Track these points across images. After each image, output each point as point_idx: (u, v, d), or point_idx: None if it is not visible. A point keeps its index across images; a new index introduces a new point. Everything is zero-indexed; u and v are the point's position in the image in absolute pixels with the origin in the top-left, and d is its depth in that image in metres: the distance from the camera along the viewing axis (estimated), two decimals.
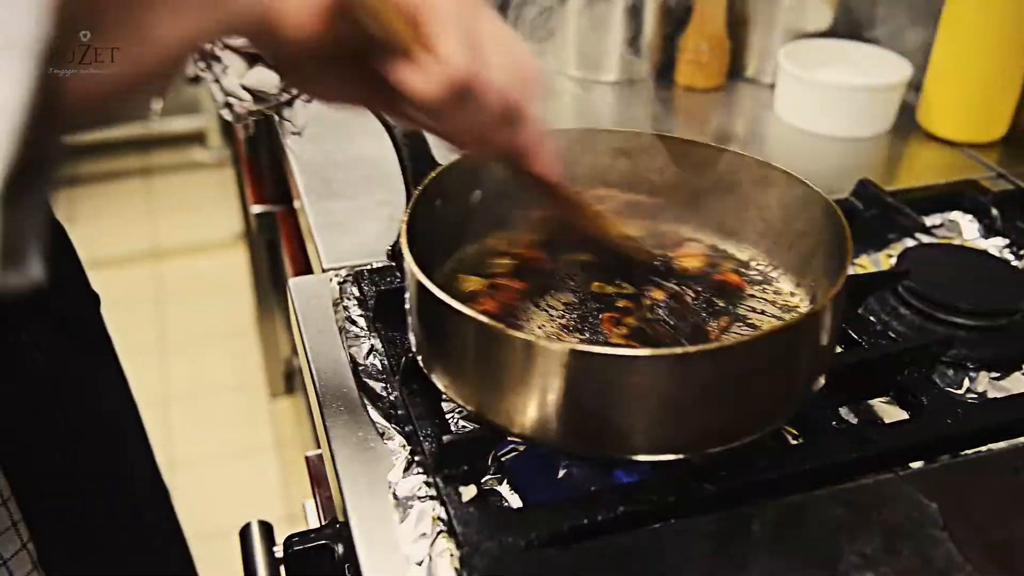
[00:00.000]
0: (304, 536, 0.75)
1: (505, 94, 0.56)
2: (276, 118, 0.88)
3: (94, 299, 0.97)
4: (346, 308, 0.81)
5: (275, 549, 0.79)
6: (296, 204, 1.11)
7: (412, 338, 0.70)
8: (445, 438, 0.64)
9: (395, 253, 0.87)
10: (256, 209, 1.37)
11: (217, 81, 0.80)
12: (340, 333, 0.79)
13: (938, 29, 1.14)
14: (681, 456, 0.62)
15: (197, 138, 3.58)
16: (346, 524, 0.66)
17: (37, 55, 0.37)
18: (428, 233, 0.73)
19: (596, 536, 0.60)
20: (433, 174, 0.75)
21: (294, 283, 0.86)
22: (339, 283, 0.84)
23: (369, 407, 0.72)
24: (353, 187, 1.05)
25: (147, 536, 1.04)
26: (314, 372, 0.76)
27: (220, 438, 2.41)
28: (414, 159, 0.76)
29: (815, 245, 0.76)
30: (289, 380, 2.44)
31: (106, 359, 0.98)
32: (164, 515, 1.08)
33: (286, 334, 2.25)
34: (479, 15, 0.56)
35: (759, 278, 0.80)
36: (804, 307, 0.77)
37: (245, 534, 0.79)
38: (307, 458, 0.95)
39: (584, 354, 0.59)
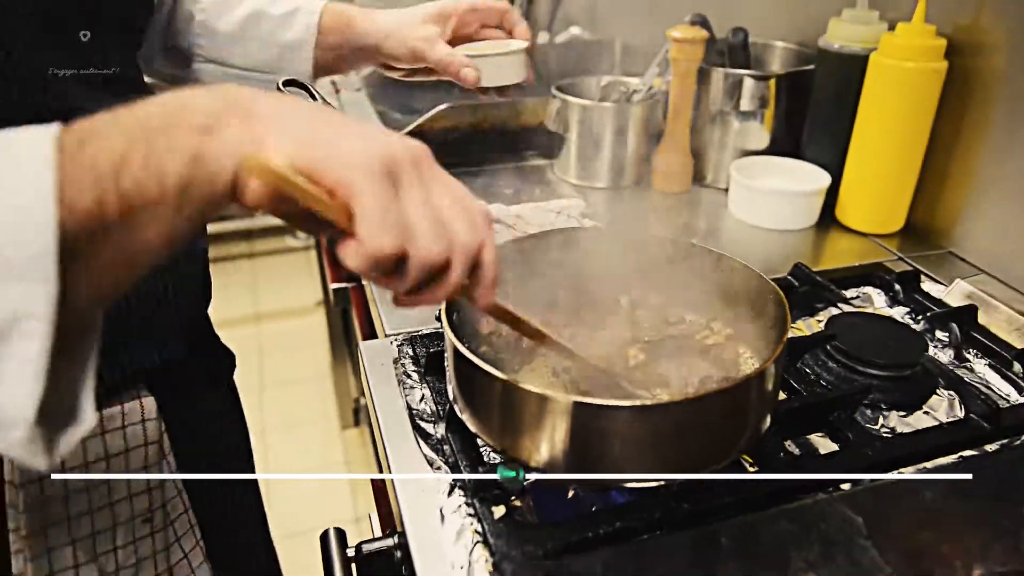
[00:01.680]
0: (370, 541, 0.74)
1: (431, 259, 0.46)
2: None
3: (231, 359, 0.98)
4: (403, 365, 0.81)
5: (348, 550, 0.78)
6: (364, 282, 1.11)
7: (450, 389, 0.70)
8: (480, 469, 0.63)
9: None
10: (334, 286, 1.37)
11: None
12: (399, 385, 0.79)
13: (849, 147, 1.15)
14: (662, 482, 0.62)
15: (288, 229, 3.62)
16: (403, 534, 0.66)
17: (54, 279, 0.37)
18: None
19: (599, 546, 0.59)
20: None
21: (364, 346, 0.86)
22: (398, 345, 0.84)
23: (421, 443, 0.71)
24: None
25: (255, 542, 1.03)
26: (379, 415, 0.76)
27: (304, 459, 2.40)
28: None
29: (763, 316, 0.75)
30: (356, 415, 2.43)
31: (240, 414, 0.99)
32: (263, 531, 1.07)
33: (354, 380, 2.24)
34: (411, 180, 0.46)
35: (721, 342, 0.79)
36: (753, 363, 0.76)
37: (324, 538, 0.78)
38: (372, 481, 0.94)
39: (586, 405, 0.59)
